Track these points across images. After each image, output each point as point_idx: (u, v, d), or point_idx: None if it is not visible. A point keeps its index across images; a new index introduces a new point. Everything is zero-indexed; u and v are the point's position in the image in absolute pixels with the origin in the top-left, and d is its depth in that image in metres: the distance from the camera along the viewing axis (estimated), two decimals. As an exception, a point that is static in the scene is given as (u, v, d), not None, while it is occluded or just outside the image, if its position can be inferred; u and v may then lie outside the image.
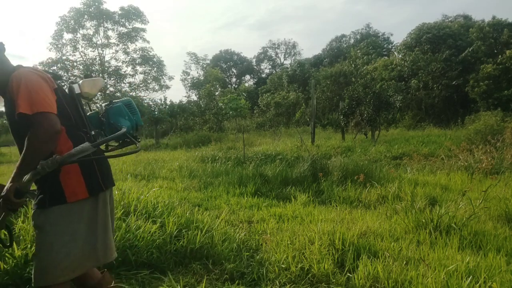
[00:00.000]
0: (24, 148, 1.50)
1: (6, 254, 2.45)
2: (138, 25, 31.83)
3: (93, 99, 2.32)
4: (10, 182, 1.51)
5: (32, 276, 1.60)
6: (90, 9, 29.91)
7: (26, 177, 1.50)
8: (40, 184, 1.64)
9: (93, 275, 1.92)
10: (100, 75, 31.14)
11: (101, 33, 31.30)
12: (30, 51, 65.76)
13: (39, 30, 68.17)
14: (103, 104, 1.95)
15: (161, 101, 26.43)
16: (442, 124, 19.55)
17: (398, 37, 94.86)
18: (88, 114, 1.95)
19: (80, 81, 1.92)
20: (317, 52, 50.10)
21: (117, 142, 1.97)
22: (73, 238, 1.62)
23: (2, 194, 1.51)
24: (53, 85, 1.67)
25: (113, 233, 1.86)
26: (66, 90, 1.86)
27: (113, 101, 1.98)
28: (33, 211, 1.65)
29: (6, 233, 1.79)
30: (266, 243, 3.27)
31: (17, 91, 1.49)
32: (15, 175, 1.50)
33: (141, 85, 33.16)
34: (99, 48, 31.61)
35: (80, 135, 1.74)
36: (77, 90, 1.88)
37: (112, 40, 31.82)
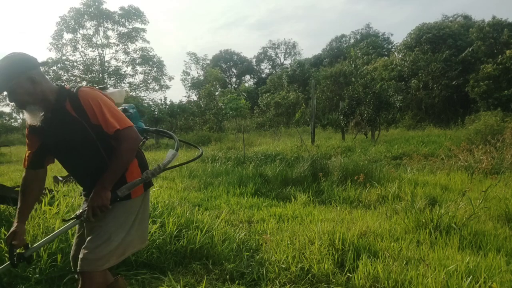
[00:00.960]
0: (116, 159, 1.69)
1: (6, 254, 2.45)
2: (138, 25, 31.79)
3: None
4: (103, 190, 1.67)
5: (80, 262, 1.67)
6: (90, 9, 29.87)
7: (129, 185, 1.74)
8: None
9: (107, 277, 1.93)
10: (100, 75, 31.15)
11: (101, 33, 31.27)
12: (30, 51, 65.68)
13: (39, 30, 68.21)
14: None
15: (161, 101, 26.48)
16: (442, 124, 19.54)
17: (398, 37, 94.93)
18: None
19: (107, 92, 2.01)
20: (317, 52, 50.00)
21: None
22: (128, 229, 1.80)
23: (97, 202, 1.65)
24: (112, 101, 1.85)
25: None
26: None
27: (125, 108, 2.10)
28: (76, 215, 1.75)
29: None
30: (266, 243, 3.27)
31: (101, 110, 1.67)
32: (107, 183, 1.68)
33: (141, 85, 33.13)
34: (99, 48, 31.58)
35: None
36: None
37: (112, 40, 31.80)
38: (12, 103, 1.68)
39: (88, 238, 1.73)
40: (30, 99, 1.63)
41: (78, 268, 1.68)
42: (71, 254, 1.92)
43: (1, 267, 1.72)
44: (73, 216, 1.75)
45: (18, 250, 1.73)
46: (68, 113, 1.68)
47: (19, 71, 1.59)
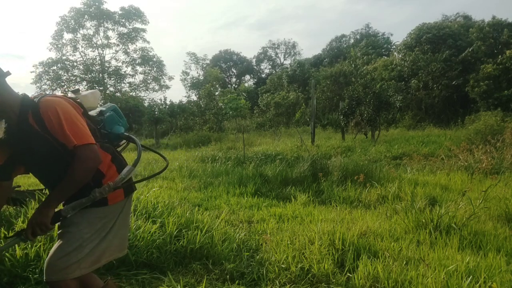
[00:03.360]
0: (68, 177, 1.56)
1: (6, 254, 2.46)
2: (138, 25, 31.79)
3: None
4: (46, 208, 1.56)
5: (46, 269, 1.60)
6: (90, 9, 29.86)
7: (74, 204, 1.62)
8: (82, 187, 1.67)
9: (95, 283, 1.89)
10: (100, 75, 31.14)
11: (101, 33, 31.27)
12: (30, 51, 65.70)
13: (39, 30, 68.18)
14: (94, 115, 1.95)
15: (161, 101, 26.45)
16: (442, 124, 19.52)
17: (398, 37, 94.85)
18: None
19: (80, 95, 1.92)
20: (317, 52, 49.96)
21: (120, 144, 2.05)
22: (103, 236, 1.72)
23: (36, 219, 1.55)
24: (79, 110, 1.73)
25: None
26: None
27: (102, 110, 1.98)
28: (15, 233, 1.66)
29: None
30: (266, 243, 3.27)
31: (59, 123, 1.54)
32: (52, 201, 1.58)
33: (141, 85, 33.14)
34: (99, 48, 31.57)
35: (114, 151, 1.86)
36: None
37: (112, 40, 31.79)
38: None
39: (57, 245, 1.64)
40: None
41: (44, 277, 1.60)
42: None
43: None
44: (13, 234, 1.63)
45: None
46: (31, 125, 1.57)
47: None
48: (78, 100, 1.82)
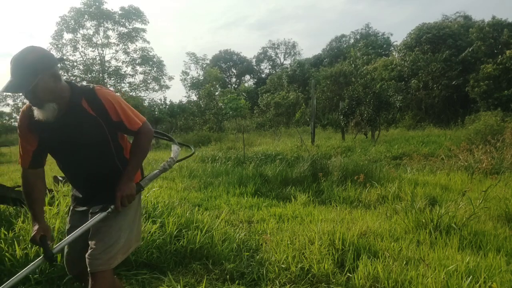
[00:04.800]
0: (137, 152, 1.77)
1: (6, 254, 2.45)
2: (138, 25, 31.78)
3: None
4: (129, 181, 1.72)
5: (90, 262, 1.67)
6: (90, 9, 29.86)
7: (150, 176, 1.86)
8: (109, 184, 1.75)
9: None
10: (100, 75, 31.13)
11: (101, 33, 31.26)
12: (30, 51, 65.43)
13: (40, 30, 68.16)
14: None
15: (161, 101, 26.47)
16: (442, 124, 19.51)
17: (398, 37, 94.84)
18: None
19: None
20: (317, 52, 49.93)
21: None
22: (132, 226, 1.84)
23: (125, 192, 1.68)
24: None
25: None
26: None
27: None
28: (101, 208, 1.72)
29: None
30: (266, 243, 3.27)
31: (122, 108, 1.72)
32: (132, 174, 1.75)
33: (141, 85, 33.12)
34: (99, 48, 31.57)
35: None
36: None
37: (112, 40, 31.78)
38: (27, 101, 1.59)
39: (97, 238, 1.70)
40: (51, 97, 1.57)
41: (90, 269, 1.67)
42: (66, 258, 1.88)
43: (34, 262, 1.61)
44: (97, 210, 1.71)
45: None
46: (85, 110, 1.66)
47: (43, 67, 1.52)
48: None
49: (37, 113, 1.59)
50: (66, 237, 1.71)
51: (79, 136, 1.68)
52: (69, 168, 1.83)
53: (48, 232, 1.69)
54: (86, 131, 1.67)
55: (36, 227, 1.67)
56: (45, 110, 1.58)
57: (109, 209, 1.69)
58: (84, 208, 1.83)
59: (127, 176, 1.72)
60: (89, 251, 1.69)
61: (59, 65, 1.65)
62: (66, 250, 1.88)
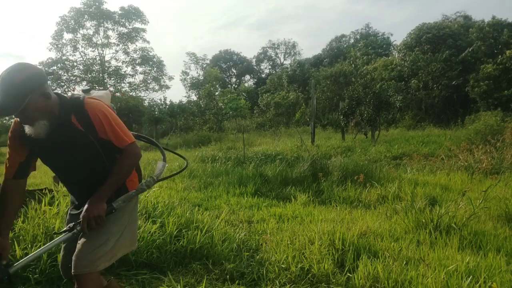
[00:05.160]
0: (117, 173, 1.69)
1: (6, 254, 2.45)
2: (138, 25, 31.79)
3: None
4: (99, 201, 1.64)
5: (75, 263, 1.63)
6: (90, 9, 29.87)
7: (124, 197, 1.74)
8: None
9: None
10: (100, 75, 31.14)
11: (101, 33, 31.28)
12: (30, 51, 65.66)
13: (39, 30, 68.15)
14: None
15: (161, 101, 26.45)
16: (442, 124, 19.51)
17: (398, 37, 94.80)
18: None
19: (94, 95, 1.94)
20: (317, 52, 49.88)
21: None
22: (122, 230, 1.79)
23: (92, 213, 1.61)
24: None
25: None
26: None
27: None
28: (69, 227, 1.70)
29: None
30: (266, 243, 3.27)
31: (110, 124, 1.65)
32: (104, 195, 1.66)
33: (141, 85, 33.14)
34: (99, 48, 31.59)
35: None
36: None
37: (112, 40, 31.80)
38: (18, 119, 1.58)
39: (85, 240, 1.67)
40: (41, 115, 1.54)
41: (74, 270, 1.63)
42: (62, 261, 1.87)
43: None
44: (65, 228, 1.68)
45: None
46: (74, 126, 1.63)
47: (32, 87, 1.47)
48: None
49: (28, 129, 1.57)
50: (25, 257, 1.65)
51: (70, 151, 1.68)
52: (61, 176, 1.86)
53: (5, 252, 1.63)
54: (76, 147, 1.67)
55: None
56: (35, 128, 1.55)
57: (75, 230, 1.64)
58: (78, 211, 1.81)
59: (98, 196, 1.64)
60: (75, 252, 1.66)
61: (49, 81, 1.63)
62: (62, 253, 1.87)
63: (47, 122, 1.58)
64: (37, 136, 1.57)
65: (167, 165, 1.96)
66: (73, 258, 1.66)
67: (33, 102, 1.48)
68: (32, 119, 1.54)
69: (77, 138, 1.64)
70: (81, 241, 1.69)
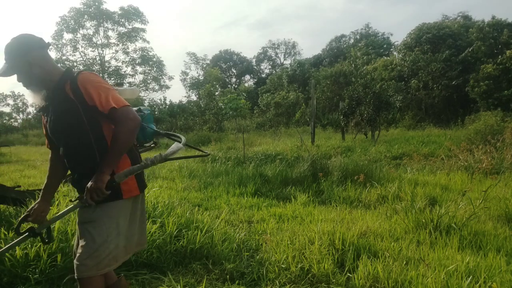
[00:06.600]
0: (114, 142, 1.63)
1: (6, 254, 2.45)
2: (138, 25, 31.88)
3: None
4: (100, 174, 1.59)
5: (77, 268, 1.64)
6: (90, 9, 29.91)
7: (126, 171, 1.65)
8: (92, 173, 1.70)
9: (111, 276, 1.93)
10: (100, 75, 31.13)
11: (101, 33, 31.35)
12: (30, 51, 65.49)
13: (39, 30, 68.15)
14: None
15: (161, 101, 26.48)
16: (442, 124, 19.52)
17: (398, 37, 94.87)
18: None
19: (119, 88, 2.01)
20: (317, 52, 49.93)
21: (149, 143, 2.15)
22: (123, 230, 1.76)
23: (92, 186, 1.58)
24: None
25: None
26: None
27: (140, 108, 2.05)
28: (78, 197, 1.72)
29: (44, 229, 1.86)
30: (266, 243, 3.27)
31: (97, 91, 1.63)
32: (106, 167, 1.61)
33: (141, 85, 33.19)
34: (99, 48, 31.64)
35: None
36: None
37: (112, 40, 31.88)
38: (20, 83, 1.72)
39: (82, 243, 1.67)
40: (37, 81, 1.68)
41: (76, 274, 1.64)
42: (74, 251, 1.87)
43: (18, 239, 1.73)
44: (75, 199, 1.72)
45: (30, 225, 1.72)
46: (66, 93, 1.67)
47: (26, 50, 1.65)
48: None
49: (31, 99, 1.73)
50: (49, 219, 1.80)
51: (59, 122, 1.71)
52: (59, 149, 1.82)
53: (40, 214, 1.80)
54: (63, 116, 1.69)
55: (35, 204, 1.81)
56: (33, 95, 1.71)
57: (82, 200, 1.64)
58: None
59: (100, 168, 1.61)
60: (76, 255, 1.67)
61: (48, 49, 1.75)
62: (75, 247, 1.87)
63: (39, 87, 1.71)
64: (34, 103, 1.73)
65: (183, 148, 1.84)
66: (74, 262, 1.66)
67: (25, 65, 1.64)
68: (30, 82, 1.69)
69: (66, 106, 1.67)
70: (80, 244, 1.69)
